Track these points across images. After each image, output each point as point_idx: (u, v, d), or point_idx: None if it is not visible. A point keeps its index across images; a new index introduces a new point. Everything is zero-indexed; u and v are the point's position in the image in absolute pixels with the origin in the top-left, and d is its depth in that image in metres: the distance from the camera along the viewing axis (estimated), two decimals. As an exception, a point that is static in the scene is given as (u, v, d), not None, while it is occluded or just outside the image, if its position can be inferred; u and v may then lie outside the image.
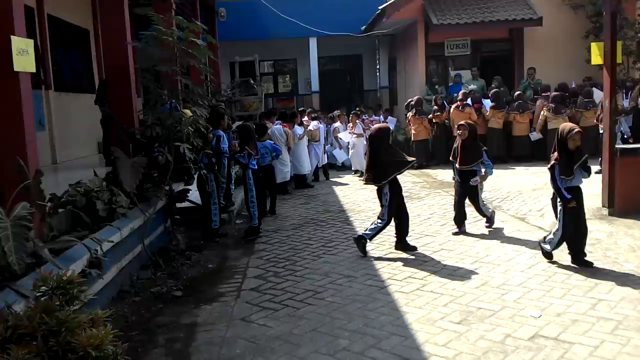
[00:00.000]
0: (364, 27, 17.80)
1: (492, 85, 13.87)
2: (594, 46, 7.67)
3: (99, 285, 4.37)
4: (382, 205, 6.20)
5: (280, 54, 20.78)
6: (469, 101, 12.67)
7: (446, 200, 8.68)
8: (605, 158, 7.40)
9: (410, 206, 8.11)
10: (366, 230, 6.27)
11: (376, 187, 6.27)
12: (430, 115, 13.11)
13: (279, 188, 10.25)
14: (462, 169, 6.91)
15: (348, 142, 13.40)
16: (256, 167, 7.43)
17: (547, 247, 5.43)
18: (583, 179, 5.30)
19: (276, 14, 17.30)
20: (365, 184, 6.60)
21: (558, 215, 5.35)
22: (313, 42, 18.84)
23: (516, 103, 12.29)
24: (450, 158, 7.14)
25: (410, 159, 6.25)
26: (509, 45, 16.06)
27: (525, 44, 15.57)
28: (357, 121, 13.80)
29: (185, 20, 5.98)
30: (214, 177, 7.02)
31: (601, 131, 8.75)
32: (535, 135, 12.11)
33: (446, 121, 12.95)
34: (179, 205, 6.87)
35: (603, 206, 7.29)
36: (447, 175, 11.51)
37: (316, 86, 19.29)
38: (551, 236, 5.41)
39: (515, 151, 12.61)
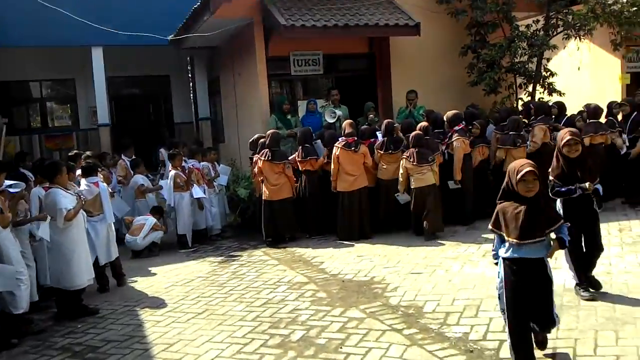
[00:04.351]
0: (172, 35, 12.57)
1: (370, 117, 9.72)
2: None
3: None
4: None
5: (51, 72, 14.43)
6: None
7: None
8: None
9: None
10: None
11: None
12: (293, 158, 8.42)
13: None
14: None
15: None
16: None
17: None
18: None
19: (35, 6, 11.22)
20: None
21: None
22: (97, 54, 13.03)
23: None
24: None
25: None
26: (370, 62, 12.28)
27: (391, 61, 11.91)
28: (173, 170, 8.67)
29: None
30: None
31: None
32: (402, 197, 7.95)
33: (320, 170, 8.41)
34: None
35: None
36: (336, 261, 6.85)
37: (105, 117, 13.43)
38: None
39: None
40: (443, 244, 7.18)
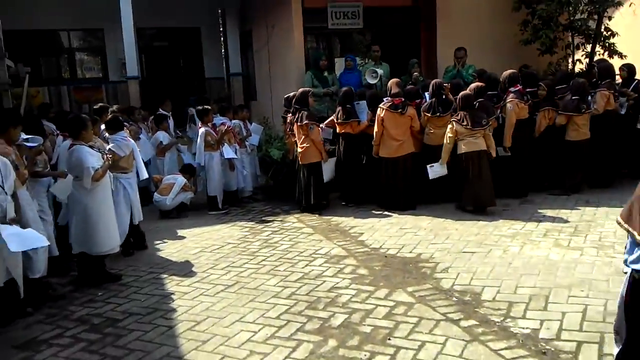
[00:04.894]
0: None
1: (415, 74, 8.97)
2: None
3: None
4: None
5: (79, 21, 13.91)
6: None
7: None
8: None
9: None
10: None
11: None
12: (330, 120, 7.81)
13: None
14: None
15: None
16: None
17: None
18: None
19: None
20: None
21: None
22: (126, 3, 12.37)
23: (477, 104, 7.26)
24: None
25: None
26: (413, 16, 11.41)
27: (437, 16, 11.03)
28: (203, 127, 8.16)
29: None
30: None
31: None
32: (436, 170, 7.16)
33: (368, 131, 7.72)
34: None
35: None
36: (377, 232, 6.27)
37: (134, 70, 12.76)
38: None
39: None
40: (497, 220, 6.52)
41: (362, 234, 6.36)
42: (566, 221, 6.28)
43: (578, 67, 10.68)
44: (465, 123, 6.89)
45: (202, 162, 8.16)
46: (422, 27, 11.27)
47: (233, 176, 8.41)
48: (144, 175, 6.64)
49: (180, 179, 8.00)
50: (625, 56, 10.29)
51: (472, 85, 7.52)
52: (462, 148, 7.01)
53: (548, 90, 7.74)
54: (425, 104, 7.56)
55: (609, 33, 10.42)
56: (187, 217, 7.87)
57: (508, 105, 7.38)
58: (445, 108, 7.39)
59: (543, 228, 6.03)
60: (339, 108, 7.64)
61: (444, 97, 7.46)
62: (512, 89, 7.50)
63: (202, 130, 8.15)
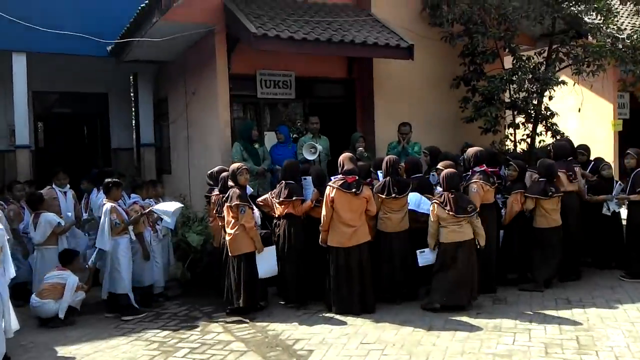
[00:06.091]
0: (110, 47, 10.48)
1: (359, 150, 7.89)
2: None
3: None
4: None
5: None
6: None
7: None
8: None
9: None
10: None
11: None
12: (264, 199, 6.45)
13: None
14: None
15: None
16: None
17: None
18: None
19: None
20: None
21: None
22: (20, 62, 10.53)
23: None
24: None
25: None
26: (348, 89, 10.54)
27: (374, 89, 10.22)
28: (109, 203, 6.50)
29: None
30: None
31: None
32: (427, 257, 6.14)
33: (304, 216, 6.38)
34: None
35: None
36: (331, 349, 4.80)
37: (24, 138, 10.83)
38: None
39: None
40: (478, 328, 5.28)
41: (311, 351, 4.86)
42: (560, 328, 5.16)
43: (520, 148, 10.21)
44: (448, 208, 5.86)
45: (108, 248, 6.37)
46: (358, 101, 10.42)
47: (146, 267, 6.71)
48: (12, 273, 4.88)
49: (72, 279, 6.15)
50: (567, 137, 9.94)
51: (445, 163, 6.54)
52: (445, 237, 5.98)
53: (519, 172, 6.88)
54: (378, 184, 6.41)
55: (549, 113, 10.10)
56: (74, 325, 6.01)
57: (473, 186, 6.41)
58: (401, 189, 6.27)
59: (539, 342, 4.85)
60: (281, 184, 6.28)
61: (399, 176, 6.37)
62: (477, 169, 6.56)
63: (107, 206, 6.42)
